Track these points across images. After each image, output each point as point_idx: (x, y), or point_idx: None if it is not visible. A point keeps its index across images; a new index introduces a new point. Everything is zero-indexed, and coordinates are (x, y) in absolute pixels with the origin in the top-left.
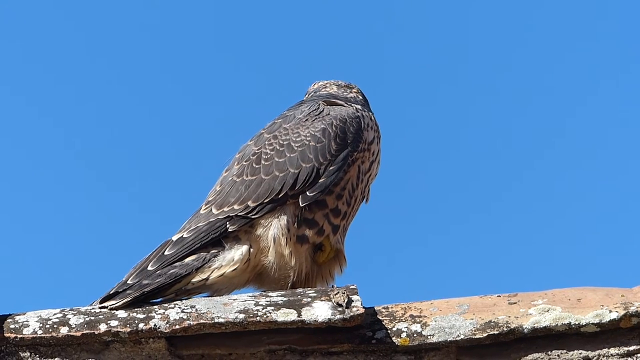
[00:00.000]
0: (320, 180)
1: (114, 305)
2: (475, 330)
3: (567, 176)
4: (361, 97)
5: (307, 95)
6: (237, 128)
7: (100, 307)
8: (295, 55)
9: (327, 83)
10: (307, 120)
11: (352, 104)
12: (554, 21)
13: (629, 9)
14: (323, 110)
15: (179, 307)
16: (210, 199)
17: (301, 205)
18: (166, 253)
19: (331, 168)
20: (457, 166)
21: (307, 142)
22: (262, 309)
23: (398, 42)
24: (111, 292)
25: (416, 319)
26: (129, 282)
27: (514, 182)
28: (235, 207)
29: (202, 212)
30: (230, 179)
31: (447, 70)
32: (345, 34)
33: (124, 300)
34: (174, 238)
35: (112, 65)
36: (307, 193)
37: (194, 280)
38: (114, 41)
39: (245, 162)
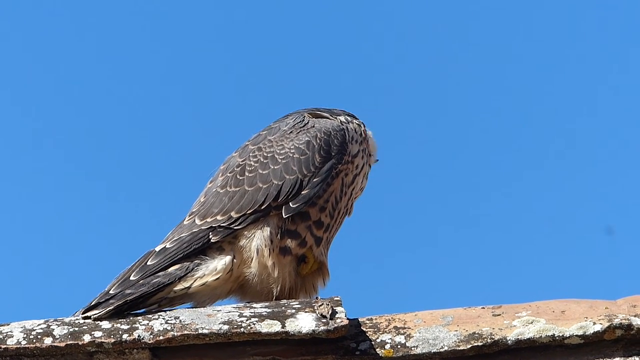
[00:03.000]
0: (303, 192)
1: (97, 315)
2: (459, 342)
3: (552, 189)
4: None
5: None
6: (225, 138)
7: (84, 317)
8: (278, 71)
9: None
10: (291, 132)
11: (337, 117)
12: (553, 23)
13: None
14: (308, 122)
15: (163, 318)
16: (194, 209)
17: (284, 217)
18: (149, 263)
19: (315, 180)
20: (440, 177)
21: (291, 155)
22: (246, 320)
23: (394, 43)
24: (93, 303)
25: (400, 330)
26: (111, 292)
27: (497, 194)
28: (219, 217)
29: (185, 222)
30: (214, 190)
31: (435, 75)
32: (341, 35)
33: (107, 309)
34: (157, 249)
35: (110, 68)
36: (291, 204)
37: (176, 288)
38: (108, 42)
39: (230, 173)
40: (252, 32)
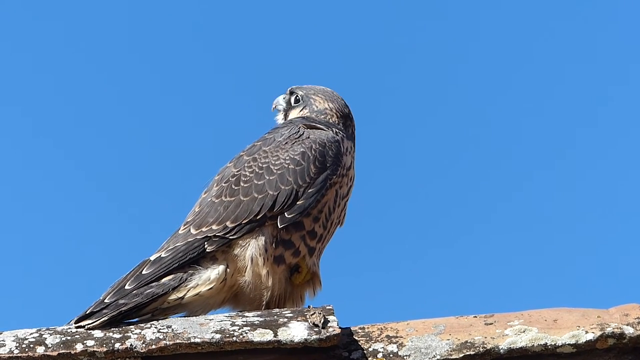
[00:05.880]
0: (298, 202)
1: (90, 325)
2: (451, 351)
3: (543, 198)
4: (336, 119)
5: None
6: (224, 145)
7: (77, 327)
8: (279, 73)
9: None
10: (286, 143)
11: (332, 128)
12: (555, 27)
13: None
14: (303, 133)
15: (155, 327)
16: (189, 219)
17: (279, 227)
18: (144, 272)
19: (310, 190)
20: (433, 186)
21: (287, 165)
22: (239, 329)
23: (393, 47)
24: (88, 312)
25: (392, 339)
26: (106, 301)
27: (489, 204)
28: (214, 227)
29: (180, 232)
30: (209, 200)
31: (436, 75)
32: (339, 38)
33: (101, 320)
34: (152, 258)
35: (108, 71)
36: (286, 214)
37: (170, 298)
38: (105, 47)
39: (225, 183)
40: (251, 36)
